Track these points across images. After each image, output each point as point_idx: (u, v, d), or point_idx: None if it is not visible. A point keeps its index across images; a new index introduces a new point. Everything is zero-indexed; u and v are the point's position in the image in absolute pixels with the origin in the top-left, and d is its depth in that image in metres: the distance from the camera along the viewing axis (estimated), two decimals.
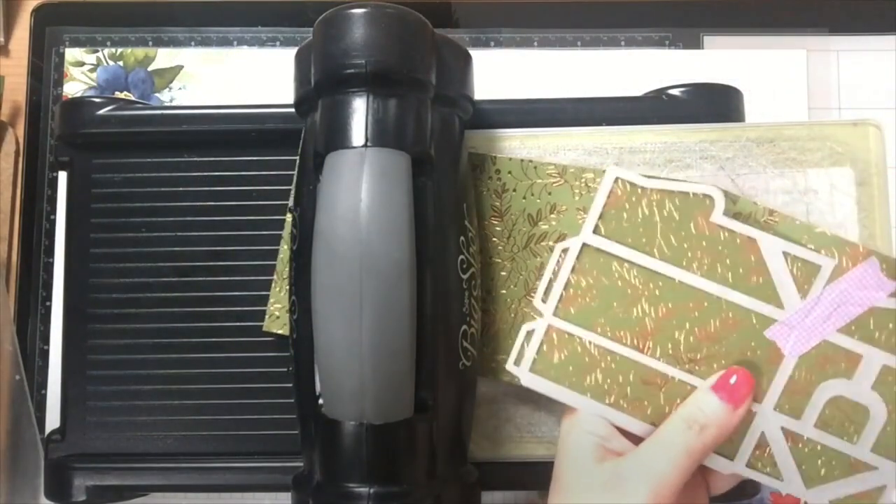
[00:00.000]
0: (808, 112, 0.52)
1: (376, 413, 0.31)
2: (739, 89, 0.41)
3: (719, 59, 0.52)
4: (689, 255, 0.31)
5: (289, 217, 0.40)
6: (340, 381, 0.31)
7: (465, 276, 0.35)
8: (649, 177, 0.33)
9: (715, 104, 0.40)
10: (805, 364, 0.30)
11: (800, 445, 0.31)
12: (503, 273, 0.38)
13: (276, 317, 0.40)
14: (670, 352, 0.32)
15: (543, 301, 0.33)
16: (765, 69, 0.52)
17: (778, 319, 0.30)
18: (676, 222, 0.32)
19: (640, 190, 0.32)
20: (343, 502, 0.32)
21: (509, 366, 0.34)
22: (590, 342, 0.33)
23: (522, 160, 0.38)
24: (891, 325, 0.30)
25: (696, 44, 0.53)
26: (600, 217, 0.33)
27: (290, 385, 0.36)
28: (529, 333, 0.33)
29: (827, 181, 0.37)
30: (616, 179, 0.33)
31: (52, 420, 0.48)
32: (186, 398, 0.40)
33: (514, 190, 0.38)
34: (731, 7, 0.53)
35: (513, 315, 0.37)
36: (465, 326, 0.35)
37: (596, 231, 0.33)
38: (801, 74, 0.52)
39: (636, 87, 0.43)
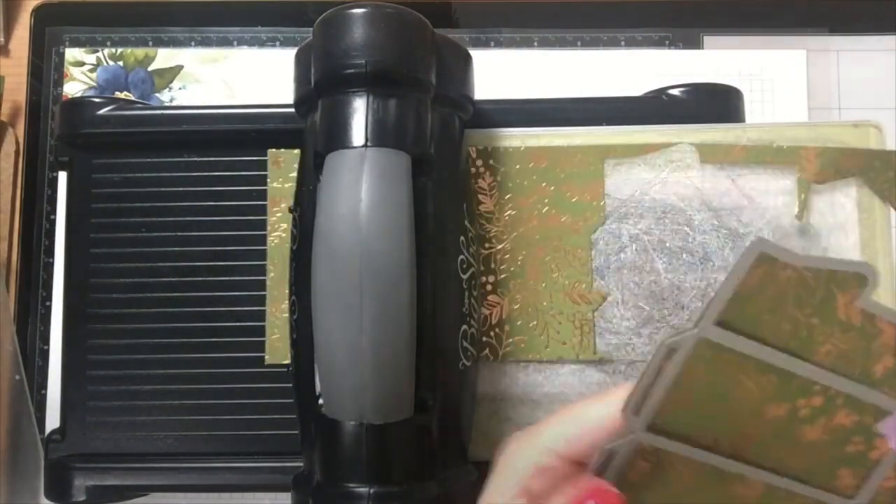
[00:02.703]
0: (808, 112, 0.52)
1: (376, 413, 0.31)
2: (739, 89, 0.41)
3: (719, 59, 0.52)
4: (818, 344, 0.26)
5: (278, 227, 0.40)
6: (340, 381, 0.31)
7: (465, 276, 0.35)
8: (797, 255, 0.25)
9: (715, 104, 0.40)
10: None
11: None
12: (519, 259, 0.38)
13: (277, 347, 0.40)
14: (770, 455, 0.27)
15: (635, 413, 0.26)
16: (765, 69, 0.52)
17: (891, 410, 0.26)
18: (814, 307, 0.25)
19: (781, 267, 0.24)
20: (343, 502, 0.32)
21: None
22: (683, 455, 0.26)
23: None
24: None
25: (696, 44, 0.53)
26: (728, 302, 0.24)
27: (290, 385, 0.36)
28: (612, 454, 0.26)
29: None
30: (760, 255, 0.24)
31: (52, 420, 0.47)
32: (186, 398, 0.40)
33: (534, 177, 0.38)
34: (731, 7, 0.53)
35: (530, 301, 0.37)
36: (465, 326, 0.35)
37: (721, 322, 0.25)
38: (801, 74, 0.52)
39: (636, 87, 0.43)
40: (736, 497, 0.27)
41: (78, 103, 0.42)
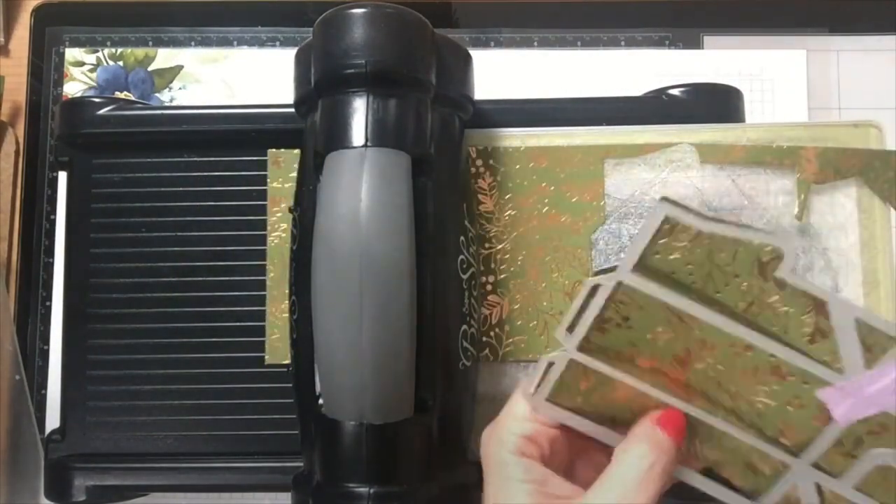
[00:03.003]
0: (808, 112, 0.52)
1: (376, 413, 0.31)
2: (739, 89, 0.41)
3: (719, 59, 0.52)
4: (742, 305, 0.28)
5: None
6: (340, 381, 0.31)
7: (465, 276, 0.35)
8: (707, 218, 0.28)
9: (715, 104, 0.40)
10: (859, 429, 0.28)
11: (832, 502, 0.29)
12: (519, 259, 0.38)
13: (277, 347, 0.40)
14: (707, 394, 0.29)
15: (569, 332, 0.29)
16: (765, 69, 0.52)
17: (833, 384, 0.28)
18: (732, 269, 0.28)
19: (694, 232, 0.28)
20: (343, 502, 0.32)
21: (525, 393, 0.31)
22: (616, 378, 0.30)
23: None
24: None
25: (696, 44, 0.53)
26: (642, 255, 0.28)
27: (290, 385, 0.36)
28: (550, 365, 0.30)
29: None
30: (665, 218, 0.27)
31: (52, 420, 0.47)
32: (186, 398, 0.40)
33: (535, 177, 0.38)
34: (731, 7, 0.53)
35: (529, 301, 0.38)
36: (465, 326, 0.35)
37: (636, 269, 0.28)
38: (801, 74, 0.52)
39: (636, 87, 0.43)
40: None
41: (78, 103, 0.42)
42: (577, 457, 0.32)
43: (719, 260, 0.28)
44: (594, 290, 0.29)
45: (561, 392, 0.30)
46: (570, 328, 0.29)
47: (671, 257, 0.28)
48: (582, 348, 0.29)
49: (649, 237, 0.28)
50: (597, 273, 0.31)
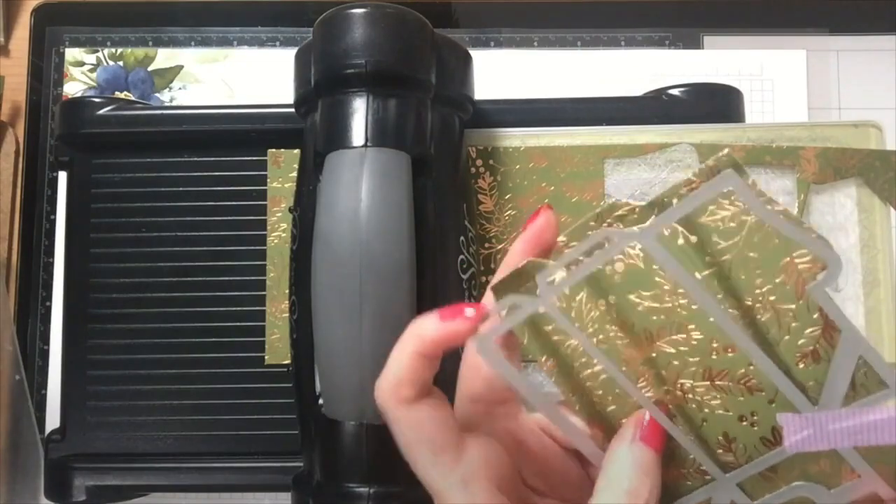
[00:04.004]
0: (808, 112, 0.52)
1: (376, 413, 0.31)
2: (739, 89, 0.41)
3: (719, 59, 0.52)
4: (749, 301, 0.26)
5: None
6: (340, 381, 0.31)
7: (465, 276, 0.35)
8: (768, 202, 0.25)
9: (715, 104, 0.40)
10: (797, 460, 0.27)
11: None
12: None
13: (277, 347, 0.40)
14: (660, 380, 0.27)
15: (550, 283, 0.26)
16: (765, 69, 0.52)
17: (801, 411, 0.26)
18: (760, 258, 0.25)
19: (743, 211, 0.25)
20: (343, 502, 0.32)
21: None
22: (575, 344, 0.27)
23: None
24: None
25: (696, 44, 0.53)
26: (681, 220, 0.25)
27: (290, 385, 0.36)
28: (514, 308, 0.26)
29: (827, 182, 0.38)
30: (727, 192, 0.25)
31: (52, 420, 0.47)
32: (186, 398, 0.40)
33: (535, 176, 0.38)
34: (731, 7, 0.53)
35: None
36: None
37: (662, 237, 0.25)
38: (801, 74, 0.52)
39: (636, 87, 0.43)
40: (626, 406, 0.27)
41: (78, 103, 0.42)
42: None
43: (751, 245, 0.25)
44: (601, 244, 0.25)
45: (513, 339, 0.27)
46: (552, 281, 0.26)
47: (702, 220, 0.25)
48: (559, 302, 0.26)
49: (698, 203, 0.24)
50: (607, 218, 0.26)
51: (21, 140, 0.52)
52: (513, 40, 0.53)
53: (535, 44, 0.53)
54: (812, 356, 0.26)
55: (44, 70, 0.53)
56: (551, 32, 0.53)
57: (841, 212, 0.38)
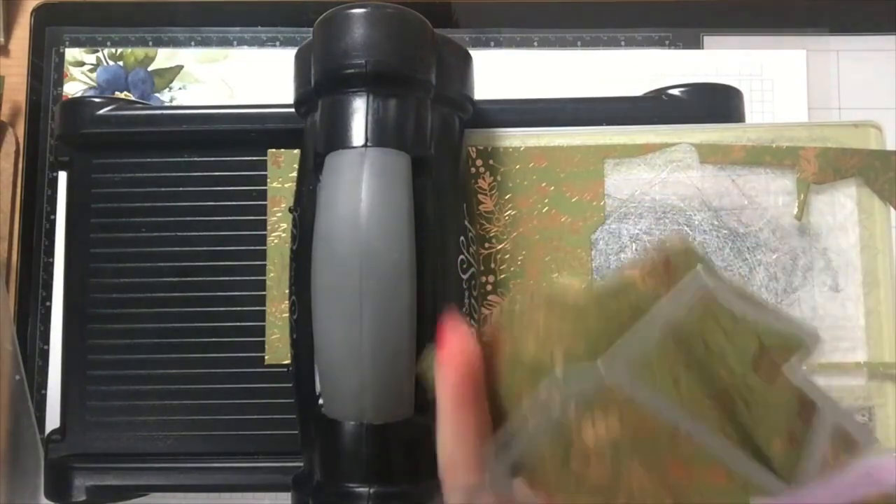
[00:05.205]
0: (808, 112, 0.52)
1: (376, 413, 0.31)
2: (739, 89, 0.41)
3: (719, 59, 0.52)
4: (719, 386, 0.23)
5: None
6: (340, 381, 0.31)
7: (465, 276, 0.35)
8: (741, 297, 0.23)
9: (715, 104, 0.40)
10: None
11: None
12: (519, 259, 0.38)
13: (277, 347, 0.40)
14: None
15: (503, 453, 0.23)
16: (765, 69, 0.52)
17: (772, 492, 0.23)
18: (730, 345, 0.23)
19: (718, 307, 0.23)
20: (343, 502, 0.32)
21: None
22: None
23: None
24: None
25: (696, 44, 0.53)
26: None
27: (290, 385, 0.36)
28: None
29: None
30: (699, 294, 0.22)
31: (52, 420, 0.47)
32: (186, 398, 0.40)
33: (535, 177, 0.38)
34: (731, 7, 0.53)
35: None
36: None
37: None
38: (801, 74, 0.52)
39: (636, 87, 0.43)
40: None
41: (78, 103, 0.42)
42: None
43: (719, 329, 0.23)
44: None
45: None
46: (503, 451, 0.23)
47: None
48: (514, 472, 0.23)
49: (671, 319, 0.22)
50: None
51: (21, 140, 0.52)
52: (513, 40, 0.53)
53: (535, 44, 0.53)
54: (789, 441, 0.23)
55: (44, 70, 0.53)
56: (551, 32, 0.53)
57: (841, 212, 0.38)
